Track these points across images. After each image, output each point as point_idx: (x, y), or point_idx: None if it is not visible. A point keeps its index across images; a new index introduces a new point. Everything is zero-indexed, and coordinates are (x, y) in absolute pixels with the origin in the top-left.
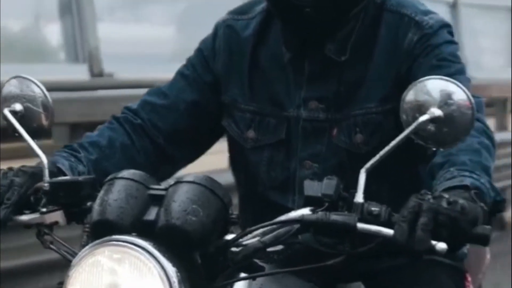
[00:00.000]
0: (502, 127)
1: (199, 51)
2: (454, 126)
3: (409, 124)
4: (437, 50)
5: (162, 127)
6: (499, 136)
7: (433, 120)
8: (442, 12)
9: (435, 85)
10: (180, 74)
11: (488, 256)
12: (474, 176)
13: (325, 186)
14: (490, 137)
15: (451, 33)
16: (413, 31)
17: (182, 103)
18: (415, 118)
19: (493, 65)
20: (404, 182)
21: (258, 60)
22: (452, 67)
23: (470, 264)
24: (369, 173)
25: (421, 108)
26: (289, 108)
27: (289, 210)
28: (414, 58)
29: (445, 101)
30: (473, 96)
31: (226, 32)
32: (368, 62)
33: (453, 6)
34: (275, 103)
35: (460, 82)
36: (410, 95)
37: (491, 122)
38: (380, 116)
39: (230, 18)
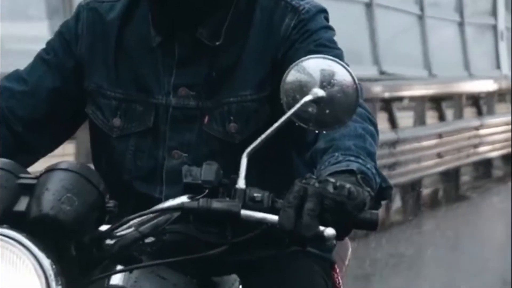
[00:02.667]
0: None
1: (60, 34)
2: (337, 107)
3: (290, 106)
4: (315, 36)
5: (21, 115)
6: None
7: (316, 101)
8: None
9: (317, 65)
10: (40, 58)
11: (350, 248)
12: (360, 161)
13: (204, 172)
14: (374, 124)
15: (327, 19)
16: (289, 16)
17: (42, 89)
18: (296, 100)
19: None
20: (277, 170)
21: (124, 44)
22: (330, 52)
23: (335, 255)
24: (250, 158)
25: (302, 89)
26: (158, 94)
27: (156, 200)
28: (291, 43)
29: (328, 81)
30: None
31: (89, 16)
32: (242, 47)
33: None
34: (142, 89)
35: None
36: (291, 76)
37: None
38: (256, 104)
39: (93, 1)
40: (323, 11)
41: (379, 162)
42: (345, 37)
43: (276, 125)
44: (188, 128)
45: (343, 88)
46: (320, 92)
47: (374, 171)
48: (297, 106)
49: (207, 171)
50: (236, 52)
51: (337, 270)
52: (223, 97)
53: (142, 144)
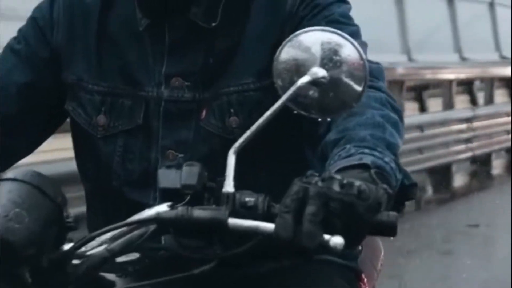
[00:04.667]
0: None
1: (33, 20)
2: (342, 89)
3: (285, 90)
4: (326, 11)
5: None
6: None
7: (316, 82)
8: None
9: (316, 39)
10: (10, 49)
11: (382, 251)
12: (376, 153)
13: (185, 175)
14: (397, 110)
15: None
16: None
17: (13, 85)
18: (293, 82)
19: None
20: (287, 169)
21: (107, 28)
22: (344, 29)
23: (364, 261)
24: (241, 157)
25: (300, 68)
26: (148, 86)
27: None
28: (299, 20)
29: (330, 58)
30: (372, 62)
31: None
32: (243, 28)
33: None
34: (130, 80)
35: None
36: (285, 53)
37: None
38: (259, 94)
39: None
40: None
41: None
42: (373, 23)
43: (268, 113)
44: (183, 124)
45: (348, 66)
46: (321, 72)
47: (393, 165)
48: (292, 89)
49: (188, 174)
50: (235, 34)
51: (365, 280)
52: (222, 86)
53: (131, 144)
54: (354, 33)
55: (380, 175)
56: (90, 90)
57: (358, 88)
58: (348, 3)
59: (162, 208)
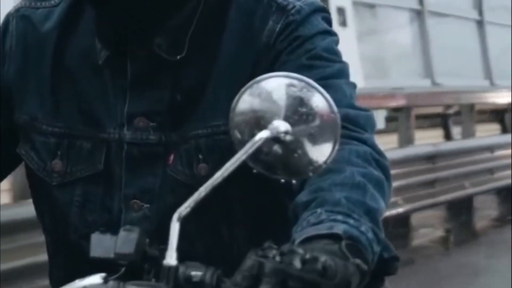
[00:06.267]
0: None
1: None
2: (309, 146)
3: (244, 145)
4: (308, 44)
5: None
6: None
7: (277, 138)
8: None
9: (279, 86)
10: None
11: None
12: (351, 221)
13: (120, 242)
14: (383, 167)
15: (327, 21)
16: (274, 18)
17: None
18: (254, 135)
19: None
20: (265, 222)
21: (64, 61)
22: (328, 67)
23: None
24: (213, 212)
25: (260, 121)
26: (109, 127)
27: (115, 266)
28: (276, 54)
29: (295, 109)
30: (360, 108)
31: (19, 26)
32: (213, 60)
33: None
34: (89, 120)
35: (339, 87)
36: (243, 103)
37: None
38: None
39: (25, 6)
40: (321, 10)
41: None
42: (395, 45)
43: (219, 173)
44: (149, 170)
45: (316, 119)
46: (283, 126)
47: (371, 235)
48: (249, 145)
49: (124, 241)
50: (205, 68)
51: None
52: (190, 128)
53: (91, 193)
54: (340, 72)
55: (353, 248)
56: (44, 131)
57: (329, 146)
58: (334, 34)
59: (94, 280)
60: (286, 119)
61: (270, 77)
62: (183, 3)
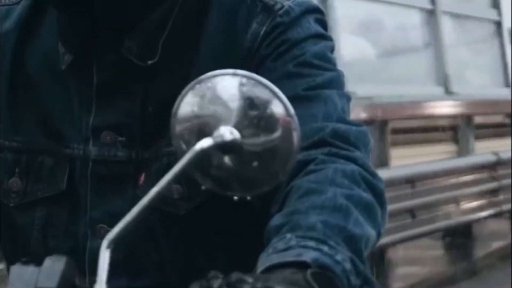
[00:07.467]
0: None
1: None
2: (264, 156)
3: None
4: (296, 49)
5: None
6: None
7: (224, 147)
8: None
9: (227, 87)
10: None
11: None
12: (324, 248)
13: (42, 275)
14: (375, 189)
15: (321, 22)
16: (260, 19)
17: None
18: (194, 144)
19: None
20: (246, 247)
21: (23, 67)
22: (318, 75)
23: None
24: (190, 239)
25: (204, 128)
26: (73, 142)
27: None
28: (260, 60)
29: (245, 113)
30: (353, 123)
31: None
32: (190, 67)
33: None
34: (51, 134)
35: (329, 99)
36: (186, 106)
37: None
38: None
39: None
40: (314, 10)
41: None
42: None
43: (155, 189)
44: (117, 191)
45: (270, 127)
46: (229, 134)
47: (348, 266)
48: (188, 156)
49: (47, 273)
50: (180, 74)
51: None
52: (163, 144)
53: (54, 215)
54: (332, 81)
55: (322, 278)
56: (1, 146)
57: (287, 155)
58: (329, 39)
59: None
60: (235, 125)
61: (215, 75)
62: (155, 5)
